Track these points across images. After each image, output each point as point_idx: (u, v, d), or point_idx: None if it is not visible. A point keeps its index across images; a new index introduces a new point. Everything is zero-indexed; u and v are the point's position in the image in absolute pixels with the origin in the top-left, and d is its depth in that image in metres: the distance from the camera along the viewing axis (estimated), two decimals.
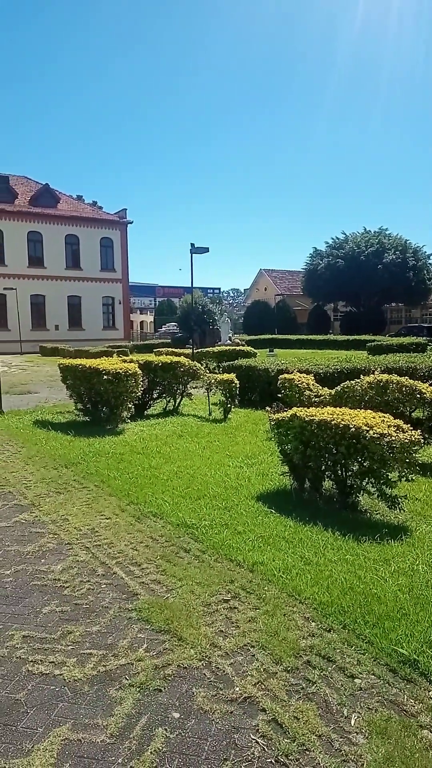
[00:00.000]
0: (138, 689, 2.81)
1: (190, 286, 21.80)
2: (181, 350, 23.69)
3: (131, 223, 47.01)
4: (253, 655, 3.08)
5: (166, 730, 2.54)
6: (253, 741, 2.47)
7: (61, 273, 43.47)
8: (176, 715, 2.64)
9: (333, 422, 5.25)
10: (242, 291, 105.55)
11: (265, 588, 3.81)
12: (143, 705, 2.70)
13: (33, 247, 42.48)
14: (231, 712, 2.65)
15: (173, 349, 25.34)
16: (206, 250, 19.12)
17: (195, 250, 18.94)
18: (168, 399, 11.89)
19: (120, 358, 11.69)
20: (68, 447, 8.28)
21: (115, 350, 25.57)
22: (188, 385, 11.89)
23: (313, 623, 3.37)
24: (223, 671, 2.95)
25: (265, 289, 63.13)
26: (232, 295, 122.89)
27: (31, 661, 3.07)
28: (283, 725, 2.56)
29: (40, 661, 3.07)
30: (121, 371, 9.69)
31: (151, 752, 2.41)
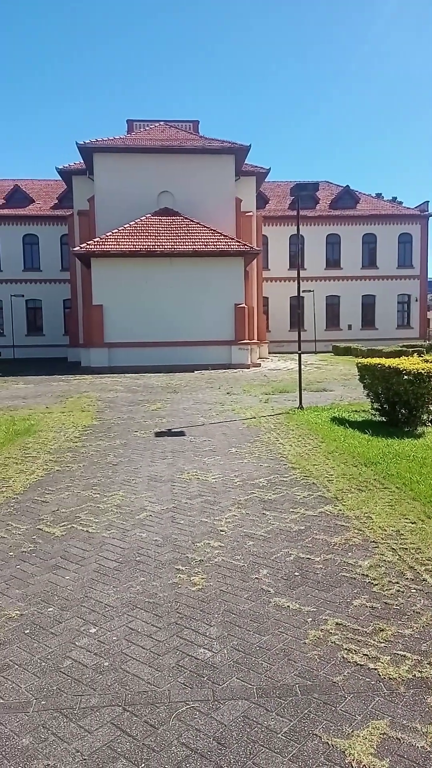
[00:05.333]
0: None
1: None
2: None
3: None
4: None
5: None
6: None
7: (357, 273, 43.69)
8: None
9: None
10: None
11: None
12: None
13: (331, 249, 43.68)
14: None
15: None
16: None
17: None
18: None
19: (421, 358, 11.19)
20: (366, 446, 8.30)
21: (411, 350, 24.57)
22: None
23: None
24: None
25: None
26: None
27: (345, 648, 3.18)
28: None
29: (354, 651, 3.16)
30: (423, 371, 9.29)
31: None
